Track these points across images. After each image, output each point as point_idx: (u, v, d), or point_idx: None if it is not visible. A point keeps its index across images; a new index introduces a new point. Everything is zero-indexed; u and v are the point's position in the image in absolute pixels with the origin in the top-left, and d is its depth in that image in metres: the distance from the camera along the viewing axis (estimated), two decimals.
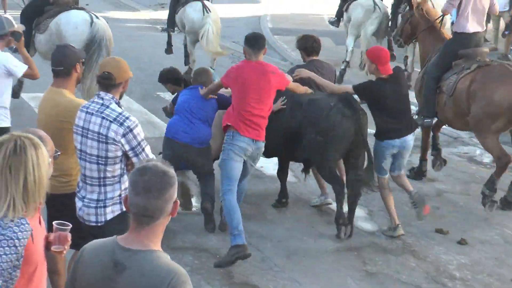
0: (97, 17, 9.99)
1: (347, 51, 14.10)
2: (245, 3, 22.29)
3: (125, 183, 5.10)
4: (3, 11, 17.14)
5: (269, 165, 9.45)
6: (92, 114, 5.07)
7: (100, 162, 5.05)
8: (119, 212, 5.11)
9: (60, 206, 5.26)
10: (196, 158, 7.62)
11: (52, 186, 5.24)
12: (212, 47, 12.32)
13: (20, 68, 6.97)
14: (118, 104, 5.14)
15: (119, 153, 5.03)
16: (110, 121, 5.00)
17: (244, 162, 7.03)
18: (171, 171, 3.10)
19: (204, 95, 7.52)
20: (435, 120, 8.97)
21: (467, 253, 7.49)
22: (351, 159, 7.56)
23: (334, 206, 7.88)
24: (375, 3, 13.59)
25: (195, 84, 7.82)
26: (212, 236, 7.48)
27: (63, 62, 5.53)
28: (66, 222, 3.86)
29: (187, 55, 13.38)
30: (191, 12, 12.64)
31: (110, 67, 5.14)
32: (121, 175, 5.13)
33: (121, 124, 4.99)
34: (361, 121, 7.37)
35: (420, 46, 9.70)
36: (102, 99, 5.11)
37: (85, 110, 5.14)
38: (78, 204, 5.21)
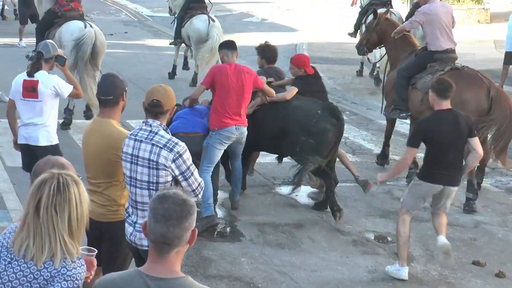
0: (91, 26, 11.79)
1: (374, 56, 14.56)
2: (282, 31, 22.40)
3: None
4: (19, 39, 17.80)
5: (303, 194, 9.45)
6: (141, 141, 5.17)
7: (151, 187, 5.14)
8: None
9: (108, 233, 5.43)
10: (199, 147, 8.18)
11: (101, 215, 5.38)
12: (213, 58, 13.79)
13: (66, 89, 7.51)
14: (166, 130, 5.24)
15: (169, 178, 5.14)
16: (160, 148, 5.10)
17: (233, 146, 8.32)
18: (191, 200, 3.13)
19: (189, 104, 8.47)
20: (408, 113, 10.07)
21: (505, 286, 7.37)
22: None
23: (369, 236, 7.86)
24: (391, 14, 14.26)
25: None
26: (246, 265, 7.48)
27: (112, 91, 5.49)
28: (92, 248, 3.88)
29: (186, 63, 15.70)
30: (197, 22, 14.37)
31: (159, 95, 5.23)
32: None
33: (171, 150, 5.09)
34: (342, 126, 8.85)
35: (389, 51, 10.89)
36: (150, 126, 5.21)
37: (134, 137, 5.23)
38: (129, 229, 5.28)
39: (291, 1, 27.77)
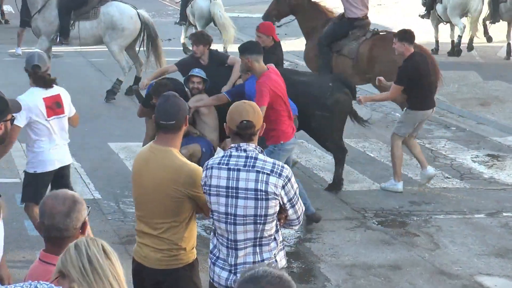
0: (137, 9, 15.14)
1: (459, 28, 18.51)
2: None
3: (280, 239, 5.30)
4: (17, 46, 18.77)
5: (401, 229, 9.31)
6: (239, 170, 5.14)
7: (258, 221, 5.14)
8: None
9: (167, 283, 5.41)
10: None
11: (158, 261, 5.37)
12: (227, 33, 18.23)
13: (73, 110, 8.07)
14: (262, 152, 5.23)
15: (277, 208, 5.17)
16: (268, 174, 5.10)
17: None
18: (286, 275, 3.08)
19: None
20: None
21: None
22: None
23: (482, 280, 7.73)
24: None
25: None
26: None
27: (175, 115, 5.35)
28: None
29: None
30: (200, 1, 18.28)
31: (249, 115, 5.17)
32: (276, 231, 5.28)
33: (280, 175, 5.11)
34: (354, 93, 10.39)
35: (302, 22, 13.51)
36: (245, 151, 5.18)
37: (225, 167, 5.18)
38: (223, 274, 5.27)
39: None
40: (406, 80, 10.08)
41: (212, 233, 5.46)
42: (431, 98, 10.46)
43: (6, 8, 24.04)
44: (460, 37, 18.70)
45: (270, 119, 8.25)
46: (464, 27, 18.71)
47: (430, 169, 10.67)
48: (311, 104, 9.98)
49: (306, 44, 13.71)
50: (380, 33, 12.68)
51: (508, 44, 19.04)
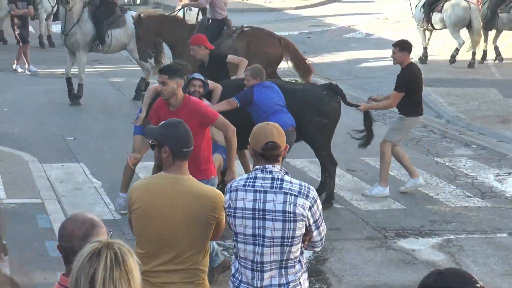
0: None
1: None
2: (390, 49, 22.27)
3: (304, 261, 5.31)
4: (26, 65, 19.31)
5: (422, 249, 9.25)
6: (266, 192, 5.14)
7: (285, 243, 5.14)
8: None
9: None
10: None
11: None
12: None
13: None
14: (287, 174, 5.24)
15: (304, 229, 5.18)
16: (295, 195, 5.11)
17: None
18: None
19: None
20: None
21: None
22: None
23: None
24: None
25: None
26: None
27: (191, 142, 5.33)
28: None
29: None
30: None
31: (273, 136, 5.16)
32: (301, 253, 5.28)
33: (307, 197, 5.13)
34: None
35: (170, 38, 14.58)
36: (271, 172, 5.18)
37: (251, 189, 5.17)
38: None
39: (400, 13, 27.58)
40: (404, 88, 10.66)
41: (233, 257, 5.44)
42: (421, 105, 11.16)
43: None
44: (457, 50, 19.68)
45: (206, 149, 7.92)
46: (463, 42, 19.55)
47: (421, 179, 11.16)
48: (309, 110, 10.33)
49: (176, 53, 14.43)
50: (245, 29, 14.47)
51: (496, 47, 20.33)
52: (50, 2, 22.55)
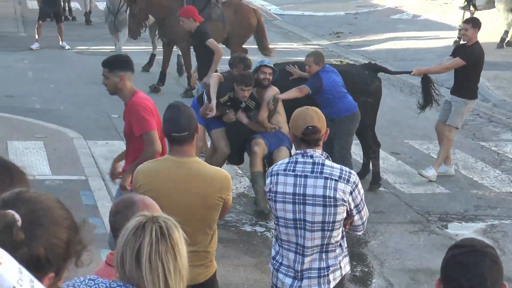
0: None
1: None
2: (437, 30, 22.09)
3: (345, 245, 5.32)
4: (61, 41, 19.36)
5: (466, 233, 9.20)
6: (306, 176, 5.14)
7: (326, 228, 5.16)
8: (340, 277, 5.29)
9: None
10: None
11: (197, 275, 5.17)
12: None
13: None
14: (328, 158, 5.23)
15: (345, 214, 5.18)
16: (336, 180, 5.11)
17: None
18: None
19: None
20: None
21: None
22: None
23: None
24: None
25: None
26: None
27: (188, 126, 5.23)
28: None
29: None
30: None
31: (313, 120, 5.14)
32: (342, 238, 5.29)
33: (348, 181, 5.12)
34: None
35: (160, 14, 14.83)
36: (312, 157, 5.17)
37: (292, 173, 5.17)
38: (287, 281, 5.27)
39: None
40: (471, 62, 10.55)
41: (274, 239, 5.46)
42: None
43: (74, 5, 24.39)
44: (506, 32, 19.68)
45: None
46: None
47: (453, 169, 11.12)
48: (355, 90, 10.20)
49: (168, 21, 14.67)
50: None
51: None
52: None
